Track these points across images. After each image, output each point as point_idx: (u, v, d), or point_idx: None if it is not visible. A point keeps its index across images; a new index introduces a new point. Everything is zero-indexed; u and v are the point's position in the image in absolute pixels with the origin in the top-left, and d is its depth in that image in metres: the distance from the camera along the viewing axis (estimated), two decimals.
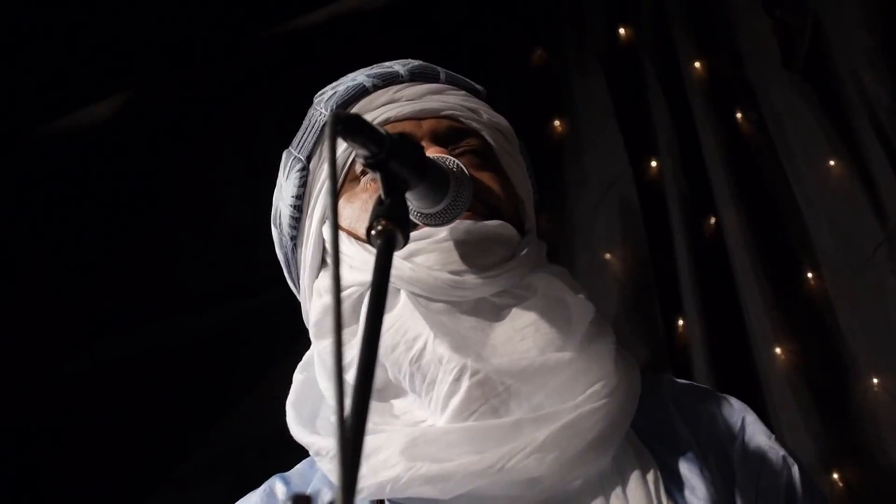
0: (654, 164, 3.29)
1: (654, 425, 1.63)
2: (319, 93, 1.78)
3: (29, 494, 3.23)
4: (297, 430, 1.62)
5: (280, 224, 1.74)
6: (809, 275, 3.02)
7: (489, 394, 1.50)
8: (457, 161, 1.56)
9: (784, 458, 1.64)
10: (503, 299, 1.57)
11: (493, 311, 1.57)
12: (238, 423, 3.21)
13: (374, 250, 1.25)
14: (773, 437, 1.67)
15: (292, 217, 1.70)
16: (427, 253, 1.56)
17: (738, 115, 3.23)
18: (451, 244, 1.56)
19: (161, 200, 3.40)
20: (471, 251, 1.56)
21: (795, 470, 1.64)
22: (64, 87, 3.31)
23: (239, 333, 3.29)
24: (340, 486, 0.99)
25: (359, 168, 1.65)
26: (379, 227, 1.26)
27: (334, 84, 1.77)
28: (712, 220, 3.18)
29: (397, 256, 1.54)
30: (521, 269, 1.59)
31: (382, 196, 1.33)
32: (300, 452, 1.69)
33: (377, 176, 1.35)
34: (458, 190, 1.52)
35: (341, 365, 1.09)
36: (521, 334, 1.55)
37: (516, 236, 1.63)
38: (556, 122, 3.41)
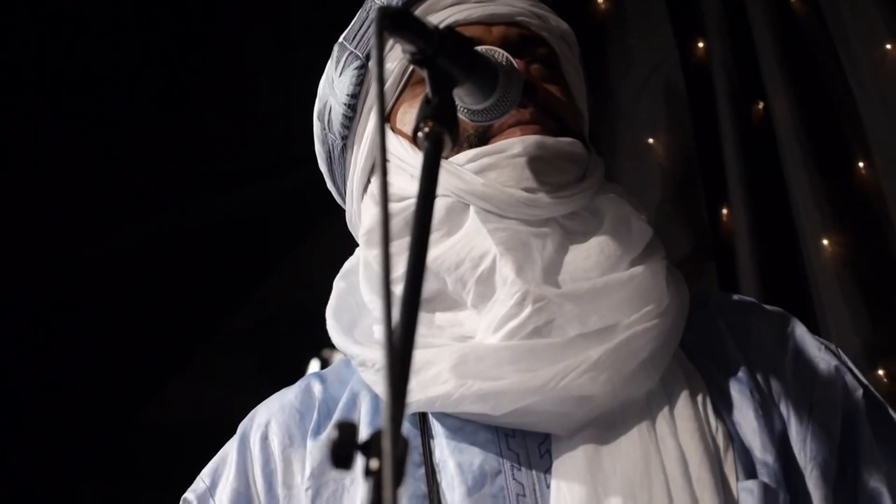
0: (701, 45, 3.21)
1: (703, 342, 1.61)
2: None
3: (64, 371, 3.27)
4: (340, 339, 1.61)
5: (328, 120, 1.68)
6: (861, 164, 2.95)
7: (545, 319, 1.48)
8: (506, 54, 1.49)
9: (837, 367, 1.61)
10: (572, 222, 1.55)
11: (561, 232, 1.54)
12: (268, 299, 3.25)
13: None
14: (823, 347, 1.64)
15: (345, 116, 1.65)
16: (500, 169, 1.53)
17: None
18: (524, 160, 1.53)
19: (193, 79, 3.38)
20: (545, 169, 1.53)
21: (850, 378, 1.61)
22: None
23: (269, 211, 3.30)
24: (388, 413, 0.95)
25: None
26: (426, 129, 1.22)
27: None
28: (761, 106, 3.10)
29: (468, 171, 1.53)
30: (591, 191, 1.57)
31: (429, 95, 1.28)
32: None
33: (424, 73, 1.30)
34: (507, 84, 1.45)
35: (389, 278, 1.05)
36: (587, 254, 1.53)
37: (586, 155, 1.60)
38: (599, 0, 3.30)
